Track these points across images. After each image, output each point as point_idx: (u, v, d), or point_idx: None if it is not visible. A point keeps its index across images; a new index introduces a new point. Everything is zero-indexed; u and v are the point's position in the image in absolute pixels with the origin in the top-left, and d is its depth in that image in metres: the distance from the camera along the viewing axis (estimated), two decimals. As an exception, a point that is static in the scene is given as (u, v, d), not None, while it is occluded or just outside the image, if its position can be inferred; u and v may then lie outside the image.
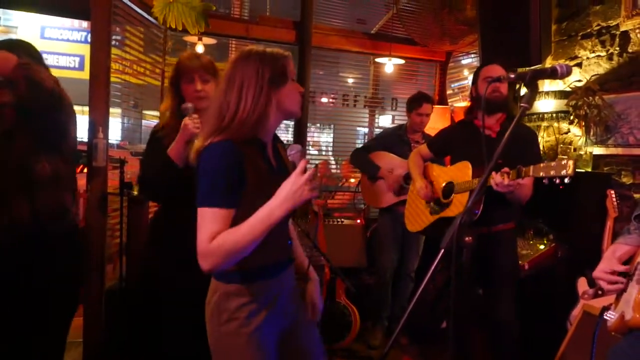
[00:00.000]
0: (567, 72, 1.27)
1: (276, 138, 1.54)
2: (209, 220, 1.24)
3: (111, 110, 2.64)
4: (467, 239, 1.16)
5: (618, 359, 1.28)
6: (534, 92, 1.28)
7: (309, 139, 4.68)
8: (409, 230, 2.79)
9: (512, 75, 1.30)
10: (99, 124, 2.53)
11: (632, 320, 1.12)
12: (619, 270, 1.23)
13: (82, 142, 2.44)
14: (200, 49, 3.78)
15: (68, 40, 7.20)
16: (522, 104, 1.26)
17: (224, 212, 1.24)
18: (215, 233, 1.22)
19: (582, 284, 2.51)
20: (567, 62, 3.44)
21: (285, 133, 4.58)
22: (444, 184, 2.51)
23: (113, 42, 2.75)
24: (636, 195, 2.89)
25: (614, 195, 2.63)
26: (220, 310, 1.34)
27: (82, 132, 2.29)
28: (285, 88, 1.35)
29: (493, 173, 2.03)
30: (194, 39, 3.61)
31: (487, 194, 2.22)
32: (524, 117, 2.94)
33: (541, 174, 1.85)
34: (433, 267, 1.13)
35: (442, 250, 1.13)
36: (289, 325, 1.45)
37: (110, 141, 3.07)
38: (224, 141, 1.28)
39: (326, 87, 4.44)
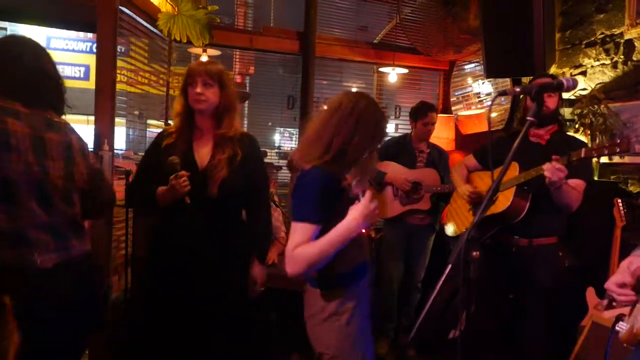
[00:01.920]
0: (574, 85, 1.27)
1: None
2: (298, 232, 1.47)
3: (118, 120, 2.66)
4: (474, 254, 1.15)
5: (629, 374, 1.26)
6: (540, 105, 1.28)
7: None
8: (454, 234, 2.77)
9: (518, 89, 1.30)
10: (104, 136, 2.54)
11: (642, 333, 1.11)
12: (630, 283, 1.21)
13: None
14: (204, 60, 3.79)
15: (73, 50, 7.26)
16: (528, 117, 1.25)
17: (312, 228, 1.47)
18: (300, 243, 1.46)
19: (591, 294, 2.49)
20: (571, 70, 3.44)
21: (290, 141, 4.59)
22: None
23: (118, 54, 2.77)
24: (643, 204, 2.87)
25: (621, 204, 2.61)
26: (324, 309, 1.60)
27: (88, 143, 2.30)
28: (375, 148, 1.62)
29: (546, 164, 2.03)
30: (198, 50, 3.63)
31: (534, 200, 2.24)
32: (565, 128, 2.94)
33: (594, 153, 1.94)
34: (440, 282, 1.12)
35: (450, 265, 1.13)
36: (368, 325, 1.71)
37: (115, 151, 3.09)
38: (325, 169, 1.51)
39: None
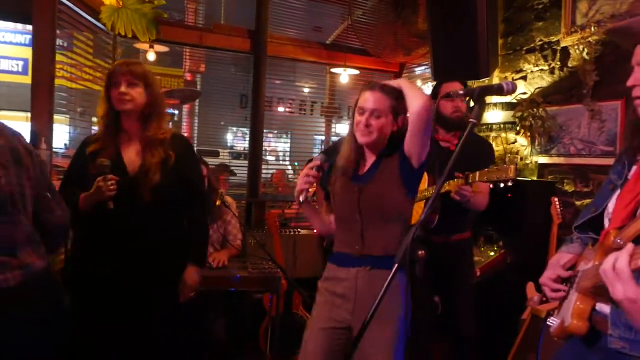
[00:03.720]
0: (513, 89, 1.32)
1: None
2: None
3: (59, 117, 2.52)
4: (420, 252, 1.18)
5: (561, 365, 1.33)
6: (481, 108, 1.33)
7: (266, 146, 4.65)
8: None
9: (461, 92, 1.34)
10: (41, 134, 2.41)
11: (570, 326, 1.16)
12: (564, 275, 1.27)
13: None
14: (151, 56, 3.68)
15: (11, 43, 6.85)
16: (470, 119, 1.29)
17: None
18: None
19: (530, 289, 2.60)
20: (513, 75, 3.59)
21: (243, 141, 4.53)
22: None
23: (58, 48, 2.64)
24: (577, 203, 3.04)
25: (557, 203, 2.75)
26: None
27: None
28: None
29: (449, 182, 2.11)
30: (145, 46, 3.51)
31: (444, 203, 2.29)
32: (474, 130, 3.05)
33: (485, 178, 1.98)
34: (387, 282, 1.14)
35: (396, 265, 1.14)
36: (338, 314, 1.66)
37: (55, 149, 2.93)
38: None
39: (283, 95, 4.44)
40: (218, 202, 2.66)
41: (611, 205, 1.22)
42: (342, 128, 6.06)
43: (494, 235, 3.09)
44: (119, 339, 1.81)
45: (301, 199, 1.66)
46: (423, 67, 4.58)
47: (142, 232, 1.85)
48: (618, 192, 1.22)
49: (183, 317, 2.02)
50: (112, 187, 1.76)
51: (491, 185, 1.95)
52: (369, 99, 1.63)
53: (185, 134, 4.99)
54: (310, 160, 1.78)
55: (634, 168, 1.21)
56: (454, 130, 2.45)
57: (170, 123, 4.17)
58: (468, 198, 2.14)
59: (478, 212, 2.40)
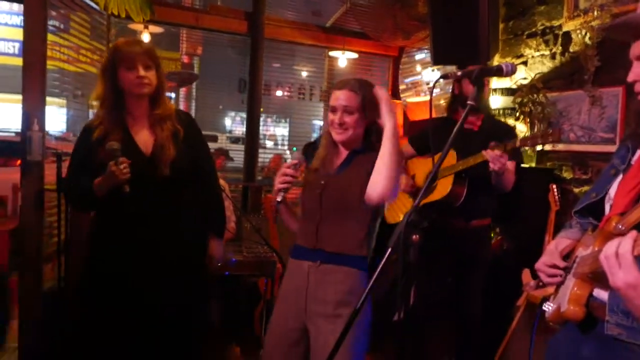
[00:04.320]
0: (512, 71, 1.29)
1: None
2: None
3: (56, 100, 2.48)
4: (414, 237, 1.16)
5: (556, 351, 1.32)
6: (480, 90, 1.30)
7: (264, 131, 4.62)
8: (391, 224, 2.81)
9: (459, 73, 1.30)
10: (33, 115, 2.36)
11: (567, 312, 1.15)
12: (560, 265, 1.26)
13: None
14: (146, 37, 3.62)
15: (6, 24, 6.76)
16: (468, 102, 1.26)
17: None
18: None
19: (526, 275, 2.60)
20: (513, 60, 3.54)
21: (242, 125, 4.51)
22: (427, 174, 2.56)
23: (51, 29, 2.58)
24: (576, 190, 3.02)
25: (555, 190, 2.74)
26: None
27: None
28: None
29: (485, 151, 2.16)
30: (139, 26, 3.45)
31: (470, 184, 2.35)
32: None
33: (528, 142, 2.15)
34: (380, 267, 1.12)
35: (390, 249, 1.13)
36: (290, 310, 1.68)
37: (51, 132, 2.89)
38: None
39: (281, 79, 4.39)
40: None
41: (613, 190, 1.20)
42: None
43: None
44: (130, 326, 1.82)
45: (278, 198, 1.67)
46: (424, 53, 4.53)
47: (162, 213, 1.84)
48: (620, 177, 1.20)
49: (192, 302, 2.00)
50: (125, 170, 1.71)
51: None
52: (339, 97, 1.65)
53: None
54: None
55: (638, 153, 1.18)
56: (476, 112, 2.48)
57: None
58: (506, 167, 2.15)
59: (503, 193, 2.41)
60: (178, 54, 6.03)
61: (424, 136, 2.72)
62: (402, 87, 4.68)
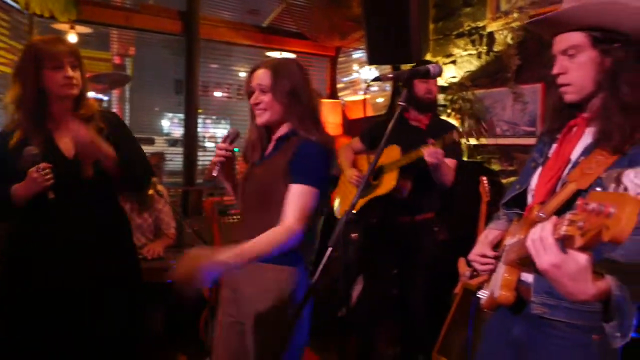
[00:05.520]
0: (439, 72, 1.37)
1: None
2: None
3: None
4: (353, 235, 1.19)
5: (490, 334, 1.41)
6: (410, 91, 1.36)
7: (204, 132, 4.53)
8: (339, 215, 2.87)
9: (391, 75, 1.36)
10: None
11: (499, 297, 1.23)
12: (490, 254, 1.35)
13: None
14: (72, 38, 3.43)
15: None
16: (400, 102, 1.32)
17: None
18: None
19: (462, 264, 2.73)
20: (443, 59, 3.71)
21: (179, 127, 4.39)
22: None
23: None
24: (504, 181, 3.22)
25: (485, 182, 2.89)
26: None
27: None
28: None
29: (423, 147, 2.29)
30: (65, 26, 3.26)
31: (415, 179, 2.45)
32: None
33: (464, 135, 2.37)
34: (322, 265, 1.14)
35: (330, 249, 1.15)
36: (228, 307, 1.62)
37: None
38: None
39: (220, 80, 4.32)
40: (151, 191, 2.56)
41: (534, 182, 1.30)
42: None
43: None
44: (65, 339, 1.73)
45: (214, 173, 1.61)
46: (361, 52, 4.62)
47: (89, 218, 1.76)
48: (540, 169, 1.30)
49: (130, 311, 1.93)
50: (47, 176, 1.63)
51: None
52: (253, 77, 1.58)
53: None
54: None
55: (554, 147, 1.29)
56: (426, 111, 2.60)
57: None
58: (441, 160, 2.28)
59: (444, 189, 2.55)
60: (109, 54, 5.75)
61: (374, 132, 2.81)
62: (340, 86, 4.76)
